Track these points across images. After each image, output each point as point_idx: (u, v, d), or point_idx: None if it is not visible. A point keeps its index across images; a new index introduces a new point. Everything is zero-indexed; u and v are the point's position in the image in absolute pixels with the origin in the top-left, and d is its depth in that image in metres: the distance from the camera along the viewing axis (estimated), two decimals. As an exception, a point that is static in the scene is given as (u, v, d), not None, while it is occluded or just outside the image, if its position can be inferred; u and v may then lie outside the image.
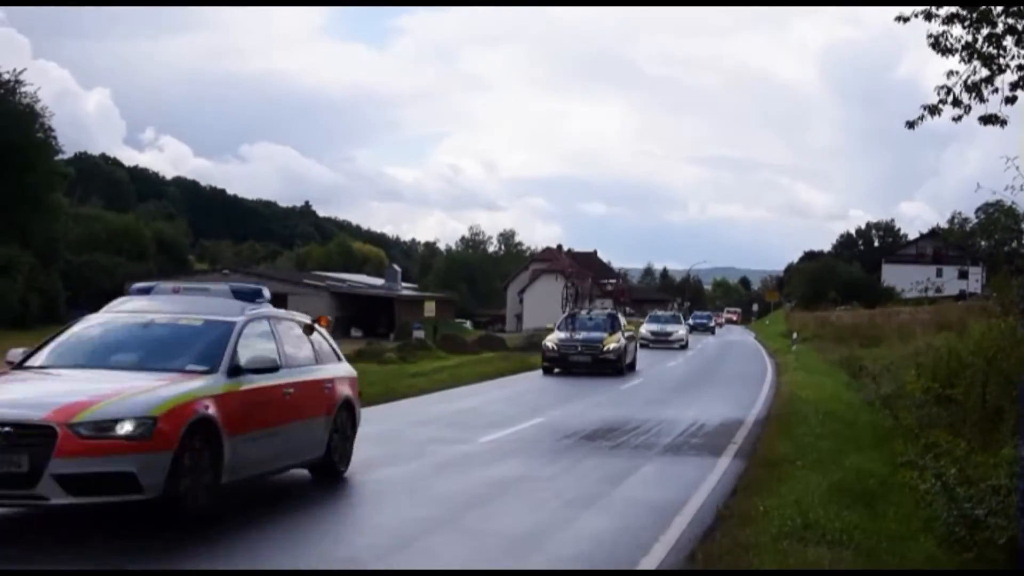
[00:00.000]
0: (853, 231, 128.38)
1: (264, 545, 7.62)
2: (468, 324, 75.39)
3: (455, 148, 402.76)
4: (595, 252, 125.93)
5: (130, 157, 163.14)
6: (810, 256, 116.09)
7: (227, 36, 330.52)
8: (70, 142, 76.68)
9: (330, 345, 10.62)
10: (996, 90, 10.51)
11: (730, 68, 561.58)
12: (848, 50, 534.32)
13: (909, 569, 7.17)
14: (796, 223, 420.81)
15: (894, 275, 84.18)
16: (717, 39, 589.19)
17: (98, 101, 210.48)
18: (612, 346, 25.73)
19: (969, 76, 10.48)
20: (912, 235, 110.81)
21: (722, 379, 26.89)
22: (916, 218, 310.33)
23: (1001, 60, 10.41)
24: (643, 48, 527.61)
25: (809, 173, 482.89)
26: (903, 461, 10.51)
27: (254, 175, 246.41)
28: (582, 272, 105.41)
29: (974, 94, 10.53)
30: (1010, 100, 10.50)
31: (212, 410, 7.80)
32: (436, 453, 12.44)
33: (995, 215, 13.62)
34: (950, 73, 10.59)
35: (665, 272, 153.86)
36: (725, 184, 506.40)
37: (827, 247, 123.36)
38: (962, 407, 11.99)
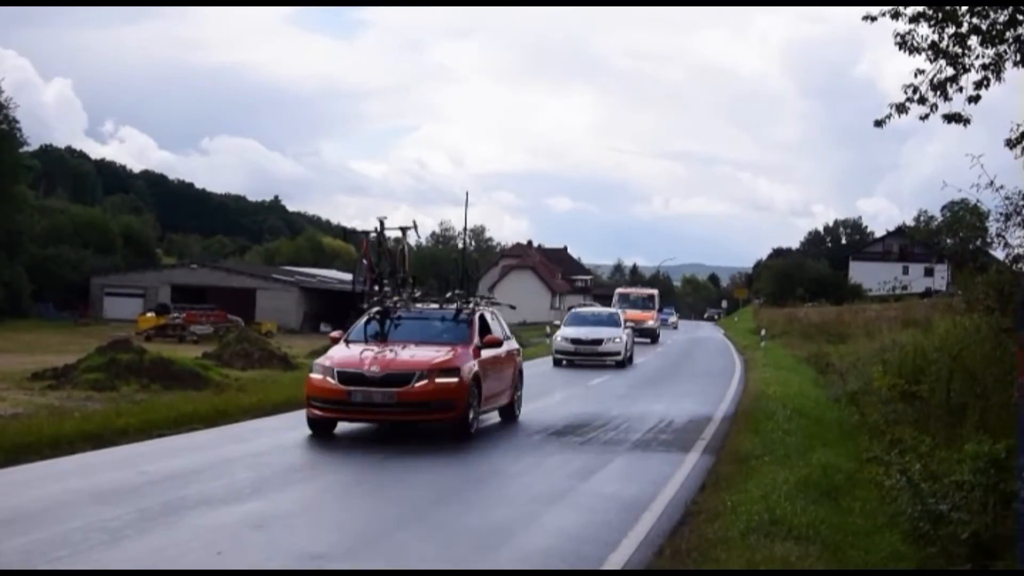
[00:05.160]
0: (820, 228, 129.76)
1: (230, 542, 7.57)
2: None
3: (422, 142, 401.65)
4: (565, 248, 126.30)
5: (92, 149, 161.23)
6: (779, 253, 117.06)
7: (189, 26, 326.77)
8: (31, 133, 75.57)
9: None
10: (960, 89, 10.64)
11: (694, 63, 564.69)
12: (809, 46, 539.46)
13: (875, 569, 7.25)
14: (760, 218, 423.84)
15: (861, 272, 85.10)
16: (682, 34, 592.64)
17: (59, 92, 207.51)
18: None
19: (935, 75, 10.60)
20: (879, 232, 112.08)
21: (691, 375, 27.02)
22: (879, 213, 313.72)
23: (966, 59, 10.54)
24: (609, 42, 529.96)
25: (770, 168, 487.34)
26: (869, 457, 10.62)
27: (219, 168, 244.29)
28: (551, 267, 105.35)
29: (939, 92, 10.65)
30: (974, 99, 10.63)
31: None
32: (405, 448, 12.41)
33: (960, 213, 13.77)
34: (917, 72, 10.71)
35: (635, 268, 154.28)
36: (687, 178, 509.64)
37: (794, 244, 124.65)
38: (927, 403, 12.12)
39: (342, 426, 13.75)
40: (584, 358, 28.16)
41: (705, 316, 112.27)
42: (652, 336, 44.89)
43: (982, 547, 7.05)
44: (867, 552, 7.39)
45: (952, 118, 10.73)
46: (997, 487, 7.28)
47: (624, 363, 28.29)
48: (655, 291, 53.66)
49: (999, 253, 12.09)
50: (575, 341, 28.45)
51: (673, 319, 73.56)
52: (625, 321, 30.81)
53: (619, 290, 54.31)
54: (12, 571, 6.77)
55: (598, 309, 34.33)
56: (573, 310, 33.02)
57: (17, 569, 6.75)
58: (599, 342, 28.35)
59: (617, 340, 28.41)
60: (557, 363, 28.19)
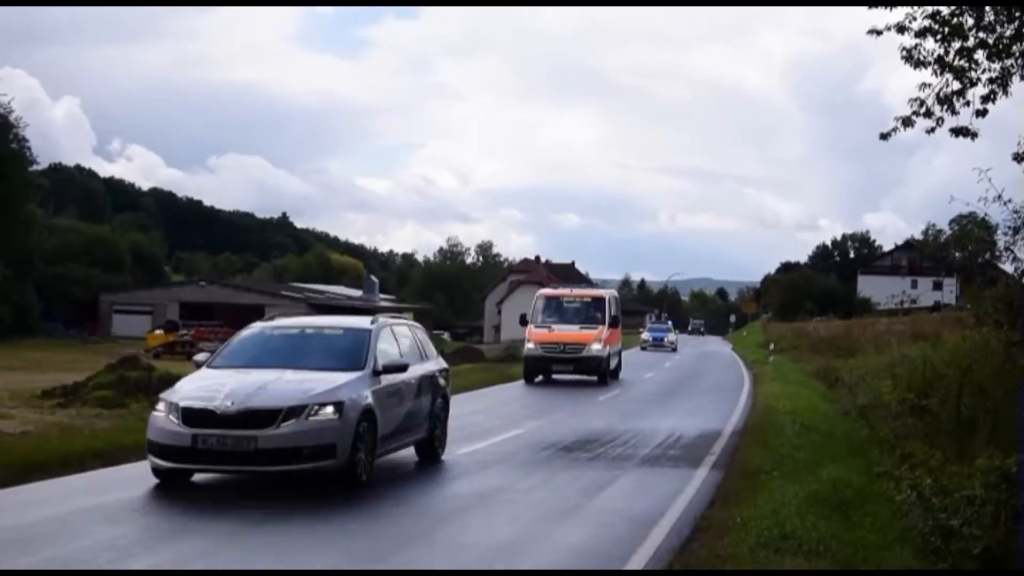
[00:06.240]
0: (828, 242, 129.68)
1: (238, 554, 7.56)
2: (446, 335, 75.34)
3: (428, 159, 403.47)
4: (572, 263, 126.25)
5: (100, 167, 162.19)
6: (787, 267, 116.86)
7: (195, 45, 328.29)
8: (40, 152, 75.75)
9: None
10: (967, 103, 10.64)
11: (699, 79, 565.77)
12: (813, 61, 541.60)
13: (880, 569, 7.21)
14: (767, 233, 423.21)
15: (870, 286, 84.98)
16: (685, 50, 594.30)
17: (67, 110, 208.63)
18: None
19: (941, 89, 10.61)
20: (887, 246, 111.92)
21: (699, 390, 26.95)
22: (887, 227, 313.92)
23: (972, 73, 10.55)
24: (613, 59, 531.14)
25: (775, 183, 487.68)
26: (879, 472, 10.59)
27: (227, 186, 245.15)
28: (558, 282, 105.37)
29: (946, 106, 10.66)
30: (981, 113, 10.63)
31: None
32: (413, 465, 12.40)
33: (968, 227, 13.77)
34: (923, 85, 10.72)
35: (643, 283, 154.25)
36: (693, 194, 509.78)
37: (801, 258, 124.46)
38: (937, 418, 12.09)
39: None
40: (223, 466, 10.16)
41: (689, 329, 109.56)
42: (598, 372, 26.32)
43: (994, 562, 7.02)
44: (878, 567, 7.35)
45: (959, 132, 10.73)
46: (1008, 502, 7.26)
47: (357, 477, 10.27)
48: (609, 293, 30.08)
49: (1008, 267, 12.10)
50: (202, 417, 9.85)
51: (671, 338, 56.65)
52: (397, 353, 11.83)
53: (544, 291, 29.98)
54: (12, 571, 6.78)
55: (318, 322, 13.56)
56: (253, 326, 12.41)
57: (16, 570, 6.75)
58: (269, 419, 9.77)
59: (328, 412, 10.01)
60: (163, 475, 10.23)
